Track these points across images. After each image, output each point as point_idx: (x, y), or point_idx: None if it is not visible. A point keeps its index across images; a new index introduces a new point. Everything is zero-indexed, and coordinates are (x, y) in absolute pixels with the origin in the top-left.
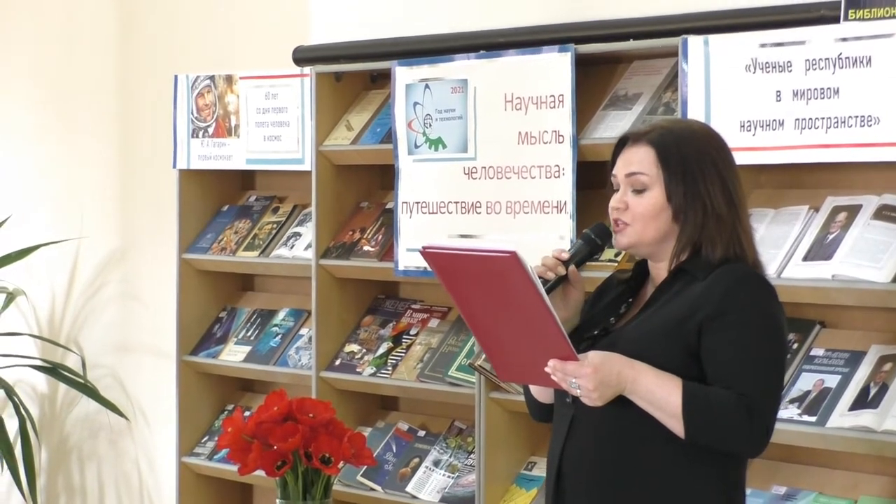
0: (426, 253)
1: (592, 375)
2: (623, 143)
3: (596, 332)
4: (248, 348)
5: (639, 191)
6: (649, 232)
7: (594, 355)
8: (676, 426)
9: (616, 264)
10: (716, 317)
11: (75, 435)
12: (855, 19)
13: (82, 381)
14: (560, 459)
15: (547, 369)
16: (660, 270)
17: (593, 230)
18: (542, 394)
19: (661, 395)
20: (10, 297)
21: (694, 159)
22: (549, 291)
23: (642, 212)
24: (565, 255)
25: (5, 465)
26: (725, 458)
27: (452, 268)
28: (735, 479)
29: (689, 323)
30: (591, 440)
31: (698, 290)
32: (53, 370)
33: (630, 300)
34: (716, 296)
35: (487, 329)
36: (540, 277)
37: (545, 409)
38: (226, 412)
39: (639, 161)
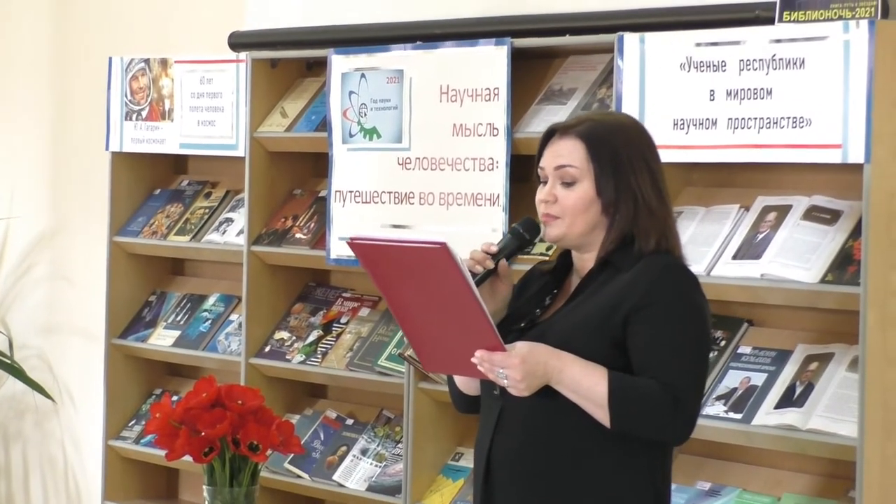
0: (354, 244)
1: (519, 366)
2: (550, 135)
3: (523, 325)
4: (177, 333)
5: (568, 183)
6: (578, 225)
7: (521, 346)
8: (602, 416)
9: (547, 258)
10: (641, 307)
11: (1, 415)
12: (790, 21)
13: (9, 361)
14: (489, 452)
15: (474, 360)
16: (585, 262)
17: (521, 224)
18: (467, 385)
19: (587, 384)
20: None
21: (624, 153)
22: (477, 284)
23: (572, 205)
24: (494, 249)
25: None
26: (653, 449)
27: (380, 259)
28: (662, 469)
29: (615, 314)
30: (520, 432)
31: (624, 281)
32: None
33: (555, 291)
34: (641, 286)
35: (414, 320)
36: (469, 271)
37: (470, 400)
38: (154, 396)
39: (568, 153)
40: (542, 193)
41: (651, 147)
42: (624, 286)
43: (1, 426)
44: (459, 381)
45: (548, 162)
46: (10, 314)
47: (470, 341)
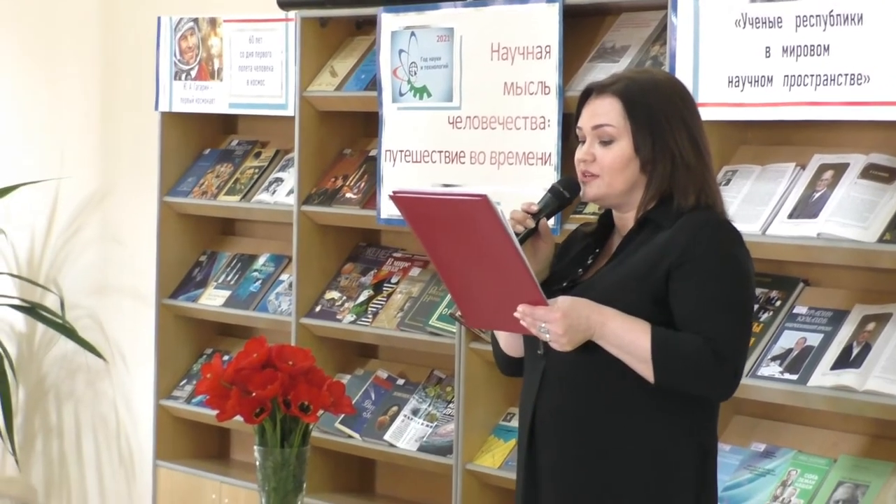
0: (396, 198)
1: (561, 320)
2: (588, 94)
3: (564, 284)
4: (228, 293)
5: (606, 142)
6: (617, 183)
7: (563, 300)
8: (646, 370)
9: (592, 218)
10: (682, 263)
11: (53, 375)
12: None
13: (60, 321)
14: (533, 411)
15: (516, 314)
16: (626, 221)
17: (561, 183)
18: (510, 346)
19: (629, 339)
20: None
21: (660, 109)
22: (519, 244)
23: (610, 163)
24: (534, 208)
25: None
26: (697, 404)
27: (423, 213)
28: (708, 425)
29: (657, 270)
30: (563, 390)
31: (665, 238)
32: (32, 310)
33: (597, 251)
34: (682, 242)
35: (457, 275)
36: None
37: (514, 362)
38: (204, 356)
39: (605, 113)
40: (580, 153)
41: (688, 103)
42: (665, 243)
43: (53, 386)
44: (503, 342)
45: (585, 121)
46: (61, 274)
47: (512, 296)
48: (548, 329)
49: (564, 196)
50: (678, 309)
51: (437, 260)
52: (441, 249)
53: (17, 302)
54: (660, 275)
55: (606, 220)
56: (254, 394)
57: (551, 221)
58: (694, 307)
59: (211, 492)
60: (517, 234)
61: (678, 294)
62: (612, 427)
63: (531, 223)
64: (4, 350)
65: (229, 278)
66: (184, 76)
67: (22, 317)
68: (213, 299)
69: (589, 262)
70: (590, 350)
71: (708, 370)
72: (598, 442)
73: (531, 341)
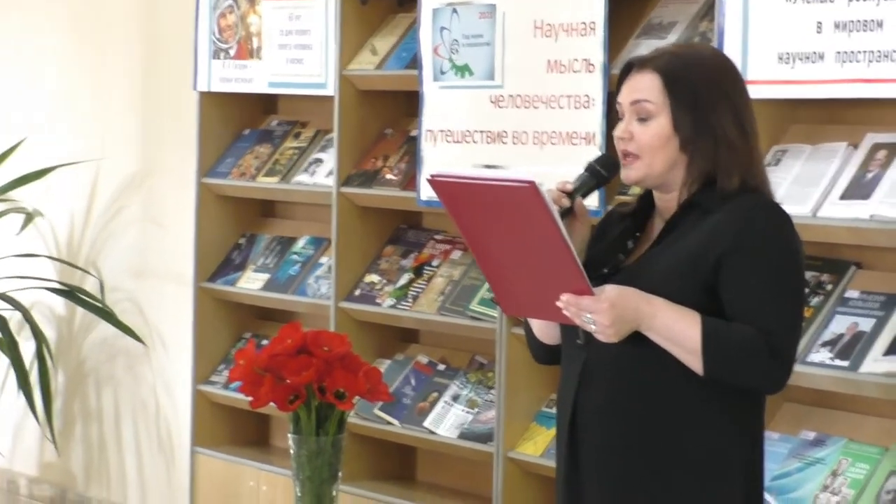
0: (435, 181)
1: (609, 310)
2: (629, 69)
3: (606, 270)
4: (266, 276)
5: (644, 119)
6: (657, 163)
7: (611, 289)
8: (695, 362)
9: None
10: (733, 251)
11: (92, 359)
12: None
13: (100, 304)
14: (573, 405)
15: (559, 304)
16: (668, 203)
17: (598, 161)
18: (546, 334)
19: (679, 329)
20: (29, 218)
21: (703, 86)
22: None
23: (648, 141)
24: (569, 187)
25: (20, 389)
26: (745, 400)
27: (462, 197)
28: (755, 420)
29: (706, 258)
30: (606, 382)
31: (713, 223)
32: (71, 293)
33: (637, 235)
34: (731, 229)
35: (496, 261)
36: None
37: (550, 350)
38: (243, 340)
39: (644, 88)
40: (617, 130)
41: (734, 80)
42: (713, 229)
43: (92, 370)
44: (537, 329)
45: (624, 97)
46: (100, 257)
47: (555, 284)
48: (594, 320)
49: (602, 174)
50: (729, 298)
51: (475, 245)
52: (480, 234)
53: (56, 285)
54: (709, 262)
55: (646, 202)
56: (288, 380)
57: (595, 202)
58: (746, 297)
59: (249, 479)
60: None
61: (729, 283)
62: (658, 420)
63: (566, 203)
64: (42, 335)
65: (268, 261)
66: (222, 55)
67: (61, 300)
68: (251, 283)
69: (630, 246)
70: (635, 341)
71: (760, 363)
72: (644, 435)
73: (570, 330)
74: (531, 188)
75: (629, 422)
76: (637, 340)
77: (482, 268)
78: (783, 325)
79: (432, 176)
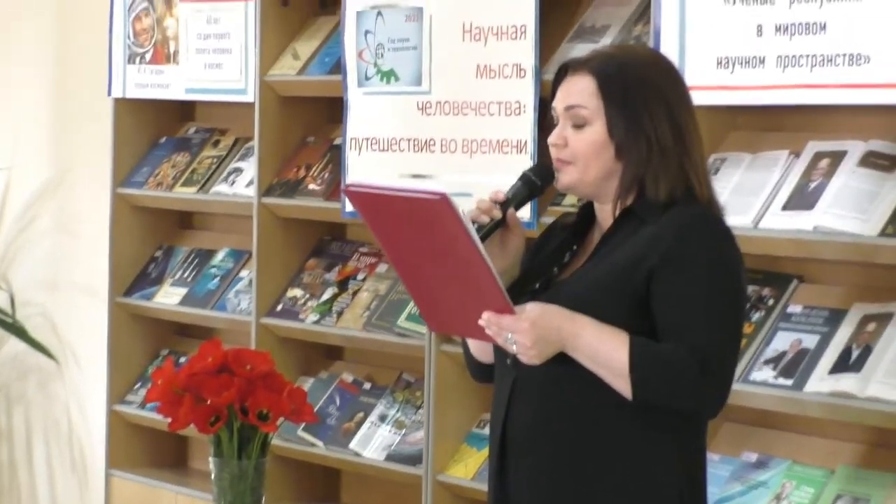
0: (350, 192)
1: (529, 330)
2: (564, 72)
3: (538, 285)
4: (184, 290)
5: (579, 125)
6: (592, 171)
7: (532, 308)
8: (623, 386)
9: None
10: (666, 263)
11: (3, 376)
12: None
13: (10, 319)
14: (503, 426)
15: (480, 322)
16: (606, 213)
17: (532, 170)
18: (481, 352)
19: (605, 350)
20: None
21: (637, 88)
22: (485, 237)
23: (583, 148)
24: (502, 197)
25: None
26: (682, 422)
27: (379, 210)
28: (694, 444)
29: (638, 271)
30: (535, 404)
31: (647, 235)
32: None
33: (575, 247)
34: (666, 240)
35: (418, 276)
36: (474, 222)
37: (486, 369)
38: (160, 358)
39: (578, 92)
40: (552, 136)
41: (673, 82)
42: (647, 240)
43: (3, 388)
44: (473, 347)
45: (559, 102)
46: (11, 269)
47: (477, 302)
48: (514, 340)
49: (536, 184)
50: (661, 316)
51: (397, 259)
52: (400, 249)
53: None
54: (641, 276)
55: (587, 213)
56: (208, 401)
57: (527, 214)
58: (678, 314)
59: (167, 502)
60: (482, 226)
61: (661, 299)
62: (589, 444)
63: (498, 213)
64: None
65: (186, 275)
66: (138, 59)
67: None
68: (169, 297)
69: (566, 259)
70: (563, 361)
71: (693, 385)
72: (574, 459)
73: (501, 349)
74: (442, 201)
75: (558, 444)
76: (566, 361)
77: (405, 283)
78: (717, 343)
79: (347, 186)
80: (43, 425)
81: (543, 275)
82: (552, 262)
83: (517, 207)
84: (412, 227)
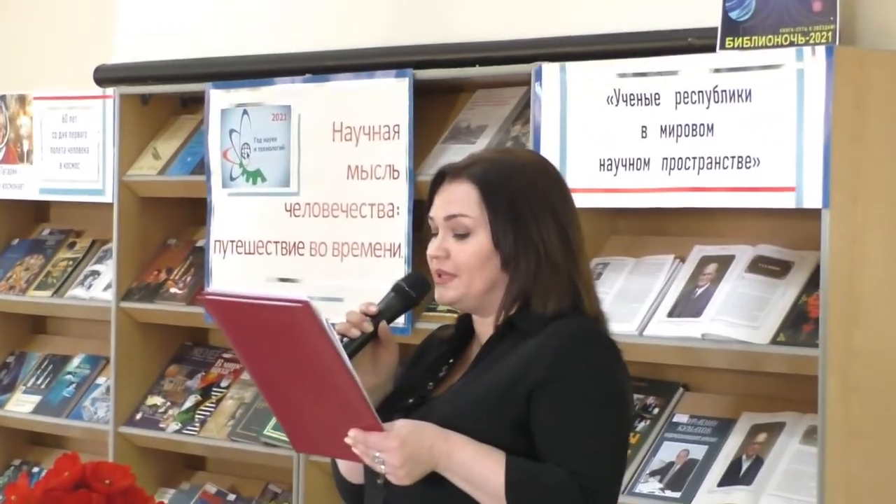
0: (206, 300)
1: (399, 449)
2: (441, 178)
3: (411, 401)
4: (38, 398)
5: (462, 235)
6: (476, 283)
7: (402, 425)
8: None
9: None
10: (547, 381)
11: None
12: (733, 48)
13: None
14: None
15: (347, 440)
16: (486, 326)
17: (407, 280)
18: (351, 472)
19: (480, 471)
20: None
21: (523, 197)
22: (355, 352)
23: (466, 260)
24: (374, 310)
25: None
26: None
27: (239, 319)
28: None
29: (518, 389)
30: None
31: (529, 350)
32: None
33: (451, 361)
34: (547, 357)
35: (279, 391)
36: (343, 336)
37: (355, 489)
38: (13, 468)
39: (459, 200)
40: (431, 247)
41: (558, 189)
42: (528, 356)
43: None
44: (343, 466)
45: (438, 211)
46: None
47: (343, 419)
48: (383, 459)
49: (410, 296)
50: (540, 436)
51: (257, 374)
52: (261, 362)
53: None
54: (520, 393)
55: (465, 325)
56: None
57: (401, 320)
58: (558, 435)
59: None
60: (353, 341)
61: (541, 418)
62: None
63: (369, 327)
64: None
65: (40, 382)
66: None
67: None
68: (21, 405)
69: (442, 373)
70: (436, 482)
71: None
72: None
73: (370, 468)
74: (304, 308)
75: None
76: (439, 482)
77: (267, 399)
78: (599, 467)
79: (202, 294)
80: None
81: (418, 390)
82: (427, 377)
83: (390, 320)
84: (273, 337)
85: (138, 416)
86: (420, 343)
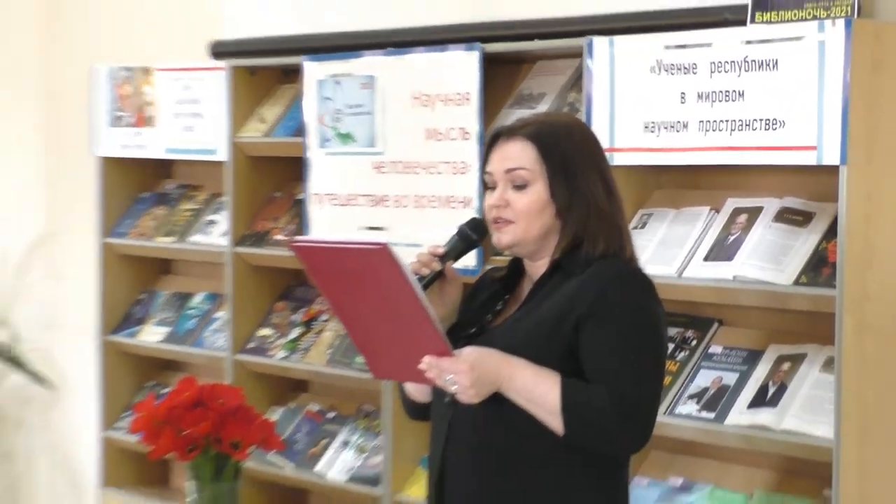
0: (295, 246)
1: (468, 372)
2: (495, 139)
3: (472, 331)
4: (166, 329)
5: (520, 186)
6: (533, 229)
7: (470, 351)
8: (555, 423)
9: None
10: (590, 315)
11: (6, 405)
12: (762, 22)
13: (11, 354)
14: (441, 461)
15: (422, 366)
16: (537, 268)
17: (468, 224)
18: (417, 392)
19: (539, 391)
20: None
21: (574, 154)
22: (425, 288)
23: (526, 208)
24: (440, 251)
25: None
26: (606, 459)
27: (323, 262)
28: (617, 476)
29: (566, 321)
30: (471, 441)
31: (574, 287)
32: None
33: (506, 297)
34: (591, 293)
35: (361, 326)
36: (415, 274)
37: (421, 407)
38: (145, 388)
39: (518, 156)
40: (492, 198)
41: (599, 148)
42: (574, 292)
43: (6, 415)
44: (410, 385)
45: (496, 166)
46: (12, 311)
47: (418, 347)
48: (454, 381)
49: (471, 238)
50: (587, 361)
51: (340, 310)
52: (343, 300)
53: None
54: (569, 325)
55: (516, 266)
56: (186, 432)
57: (473, 260)
58: (602, 361)
59: None
60: (423, 278)
61: (586, 346)
62: (520, 479)
63: (437, 266)
64: None
65: (167, 315)
66: (121, 123)
67: None
68: (152, 335)
69: (498, 307)
70: (498, 401)
71: (612, 427)
72: (506, 494)
73: (438, 390)
74: (383, 251)
75: (489, 480)
76: (500, 401)
77: (350, 334)
78: (637, 389)
79: (292, 241)
80: (42, 450)
81: (478, 321)
82: (485, 311)
83: (455, 259)
84: (355, 277)
85: (251, 345)
86: (473, 283)
